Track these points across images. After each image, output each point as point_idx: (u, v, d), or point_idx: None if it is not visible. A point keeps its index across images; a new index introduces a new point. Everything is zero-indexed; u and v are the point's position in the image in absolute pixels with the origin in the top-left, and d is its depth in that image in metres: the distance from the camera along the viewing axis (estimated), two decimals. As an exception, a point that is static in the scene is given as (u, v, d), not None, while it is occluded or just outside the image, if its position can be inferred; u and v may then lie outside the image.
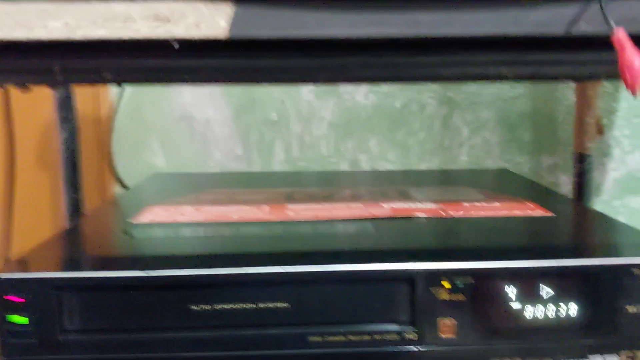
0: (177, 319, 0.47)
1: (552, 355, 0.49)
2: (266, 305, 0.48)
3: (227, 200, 0.70)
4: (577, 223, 0.66)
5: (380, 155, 1.05)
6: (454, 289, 0.47)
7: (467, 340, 0.48)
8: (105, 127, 1.06)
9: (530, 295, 0.48)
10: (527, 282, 0.48)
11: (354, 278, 0.48)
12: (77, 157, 0.84)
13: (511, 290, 0.48)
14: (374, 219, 0.60)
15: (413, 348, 0.48)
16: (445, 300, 0.48)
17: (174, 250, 0.53)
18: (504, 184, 0.85)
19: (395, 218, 0.61)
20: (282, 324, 0.48)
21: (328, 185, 0.84)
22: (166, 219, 0.61)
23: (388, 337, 0.48)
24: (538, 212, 0.63)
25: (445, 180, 0.88)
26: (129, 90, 1.03)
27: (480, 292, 0.48)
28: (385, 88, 1.02)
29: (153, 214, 0.63)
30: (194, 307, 0.47)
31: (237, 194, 0.74)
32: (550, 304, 0.49)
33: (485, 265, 0.48)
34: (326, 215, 0.61)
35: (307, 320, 0.48)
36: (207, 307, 0.47)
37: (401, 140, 1.04)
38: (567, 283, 0.49)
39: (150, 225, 0.60)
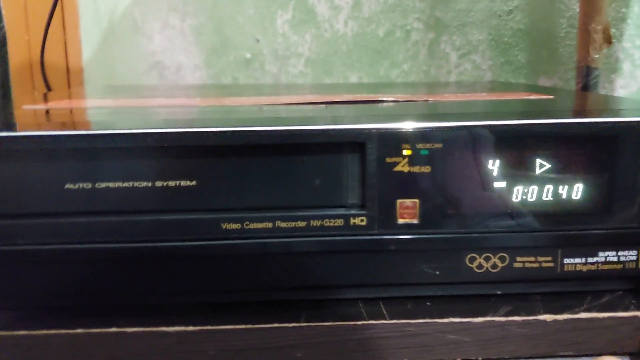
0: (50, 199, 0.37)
1: (547, 250, 0.39)
2: (165, 183, 0.37)
3: (152, 96, 0.59)
4: (580, 101, 0.55)
5: (362, 92, 0.94)
6: (417, 158, 0.37)
7: (432, 227, 0.37)
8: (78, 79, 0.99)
9: (519, 167, 0.37)
10: (516, 148, 0.37)
11: (284, 144, 0.36)
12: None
13: (493, 161, 0.37)
14: (328, 103, 0.49)
15: (363, 237, 0.37)
16: (405, 173, 0.37)
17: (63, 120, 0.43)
18: (497, 86, 0.73)
19: (355, 102, 0.50)
20: (188, 208, 0.37)
21: (288, 88, 0.73)
22: (63, 106, 0.51)
23: (330, 223, 0.37)
24: (535, 96, 0.52)
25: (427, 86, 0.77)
26: (98, 40, 0.95)
27: (452, 161, 0.37)
28: (366, 12, 0.92)
29: (56, 104, 0.53)
30: (71, 186, 0.36)
31: (170, 95, 0.63)
32: (547, 181, 0.38)
33: (459, 124, 0.36)
34: (269, 102, 0.50)
35: (220, 203, 0.37)
36: (86, 185, 0.36)
37: (385, 74, 0.93)
38: (568, 150, 0.37)
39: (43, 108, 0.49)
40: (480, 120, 0.36)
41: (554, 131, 0.37)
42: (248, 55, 0.95)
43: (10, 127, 0.36)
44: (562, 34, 0.89)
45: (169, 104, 0.50)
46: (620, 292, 0.40)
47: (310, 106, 0.47)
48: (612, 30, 0.81)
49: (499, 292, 0.40)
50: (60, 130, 0.35)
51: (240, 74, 0.96)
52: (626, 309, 0.38)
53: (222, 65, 0.96)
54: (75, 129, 0.36)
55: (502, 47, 0.91)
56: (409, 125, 0.36)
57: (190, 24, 0.95)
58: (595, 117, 0.37)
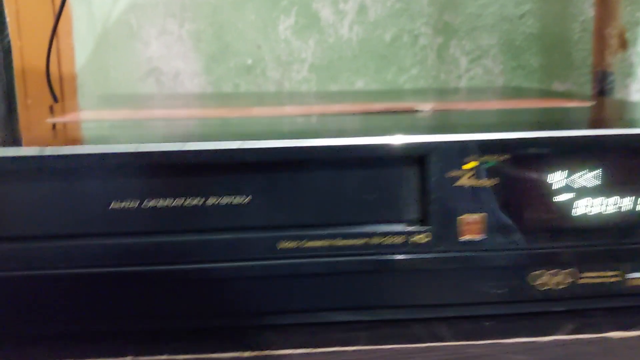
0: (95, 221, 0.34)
1: (617, 263, 0.37)
2: (218, 200, 0.35)
3: (177, 106, 0.57)
4: (624, 109, 0.53)
5: (368, 98, 0.93)
6: (482, 171, 0.35)
7: (499, 243, 0.36)
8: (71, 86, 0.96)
9: (586, 179, 0.36)
10: (583, 159, 0.36)
11: (341, 159, 0.34)
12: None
13: (560, 173, 0.36)
14: (365, 113, 0.47)
15: (424, 255, 0.36)
16: (468, 187, 0.35)
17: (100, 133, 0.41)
18: (520, 92, 0.72)
19: (392, 112, 0.48)
20: (242, 226, 0.35)
21: (308, 97, 0.71)
22: (91, 117, 0.48)
23: (389, 241, 0.35)
24: (575, 104, 0.51)
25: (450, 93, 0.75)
26: (92, 46, 0.92)
27: (519, 173, 0.35)
28: (372, 17, 0.90)
29: (78, 115, 0.51)
30: (116, 205, 0.34)
31: (190, 104, 0.61)
32: (613, 193, 0.36)
33: (529, 135, 0.35)
34: (303, 112, 0.49)
35: (275, 221, 0.35)
36: (133, 204, 0.34)
37: (392, 79, 0.92)
38: (636, 161, 0.36)
39: (70, 121, 0.47)
40: (548, 130, 0.35)
41: (621, 142, 0.36)
42: (249, 62, 0.93)
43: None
44: (575, 38, 0.89)
45: (202, 115, 0.48)
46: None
47: (350, 116, 0.45)
48: (627, 35, 0.80)
49: (561, 309, 0.38)
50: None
51: (241, 81, 0.94)
52: (698, 324, 0.37)
53: (222, 72, 0.94)
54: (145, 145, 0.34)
55: (514, 51, 0.91)
56: (473, 137, 0.34)
57: (188, 30, 0.93)
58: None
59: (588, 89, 0.85)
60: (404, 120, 0.45)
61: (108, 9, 0.92)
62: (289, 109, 0.51)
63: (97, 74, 0.95)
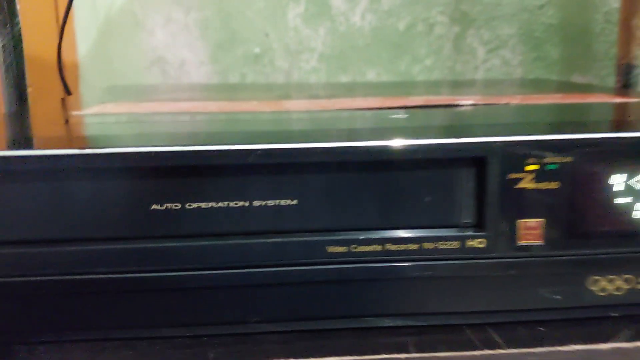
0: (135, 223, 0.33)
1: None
2: (264, 202, 0.33)
3: (203, 98, 0.55)
4: None
5: (381, 90, 0.91)
6: (544, 173, 0.33)
7: (558, 249, 0.34)
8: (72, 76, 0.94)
9: None
10: None
11: (394, 160, 0.33)
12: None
13: (622, 175, 0.34)
14: (404, 107, 0.46)
15: (480, 261, 0.34)
16: (529, 190, 0.33)
17: (139, 130, 0.39)
18: (547, 85, 0.70)
19: (432, 106, 0.47)
20: (289, 229, 0.34)
21: (332, 89, 0.69)
22: (126, 110, 0.46)
23: (443, 246, 0.34)
24: (620, 99, 0.49)
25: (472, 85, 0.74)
26: (95, 35, 0.89)
27: (582, 176, 0.34)
28: (386, 5, 0.88)
29: (109, 108, 0.49)
30: (157, 206, 0.32)
31: (209, 95, 0.59)
32: None
33: (593, 136, 0.33)
34: (337, 106, 0.47)
35: (324, 224, 0.34)
36: (176, 206, 0.33)
37: (405, 70, 0.90)
38: None
39: (105, 115, 0.45)
40: (613, 132, 0.34)
41: None
42: (257, 50, 0.91)
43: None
44: (597, 30, 0.87)
45: (234, 108, 0.46)
46: None
47: (389, 111, 0.44)
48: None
49: (616, 315, 0.37)
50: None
51: (249, 70, 0.92)
52: None
53: (228, 61, 0.91)
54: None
55: (534, 42, 0.89)
56: (536, 137, 0.33)
57: (194, 18, 0.90)
58: None
59: (610, 81, 0.83)
60: (449, 116, 0.43)
61: (111, -4, 0.90)
62: (317, 104, 0.49)
63: (100, 63, 0.92)
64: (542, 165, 0.33)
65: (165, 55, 0.92)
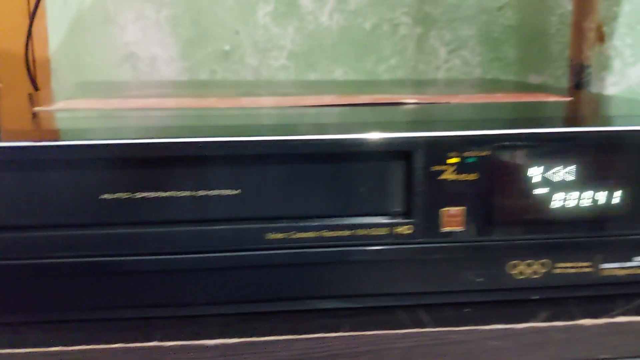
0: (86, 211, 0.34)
1: (589, 254, 0.38)
2: (207, 192, 0.35)
3: (163, 95, 0.57)
4: (601, 105, 0.55)
5: (347, 87, 0.92)
6: (464, 166, 0.36)
7: (478, 235, 0.37)
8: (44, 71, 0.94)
9: (562, 173, 0.37)
10: (559, 155, 0.37)
11: (328, 152, 0.35)
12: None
13: (538, 168, 0.37)
14: (352, 105, 0.48)
15: (408, 246, 0.37)
16: (451, 181, 0.36)
17: (95, 125, 0.41)
18: (499, 85, 0.73)
19: (378, 104, 0.49)
20: (230, 217, 0.36)
21: (293, 86, 0.71)
22: (88, 106, 0.48)
23: (374, 232, 0.36)
24: (554, 98, 0.52)
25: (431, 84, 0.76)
26: (66, 29, 0.91)
27: (499, 168, 0.36)
28: (352, 5, 0.90)
29: (73, 104, 0.50)
30: (106, 196, 0.34)
31: (177, 92, 0.61)
32: (587, 187, 0.38)
33: (509, 132, 0.36)
34: (291, 103, 0.49)
35: (264, 212, 0.36)
36: (124, 195, 0.34)
37: (371, 69, 0.92)
38: (608, 156, 0.37)
39: (68, 110, 0.47)
40: (529, 128, 0.37)
41: (595, 139, 0.37)
42: (227, 47, 0.92)
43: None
44: (553, 31, 0.90)
45: (185, 104, 0.48)
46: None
47: (336, 109, 0.46)
48: (604, 29, 0.82)
49: (536, 298, 0.39)
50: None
51: (219, 67, 0.93)
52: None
53: (199, 58, 0.93)
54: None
55: (492, 43, 0.91)
56: (456, 133, 0.36)
57: (166, 15, 0.92)
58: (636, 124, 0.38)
59: (564, 81, 0.86)
60: (391, 113, 0.45)
61: (83, -8, 0.91)
62: (275, 100, 0.51)
63: (71, 59, 0.93)
64: (463, 158, 0.35)
65: (137, 51, 0.93)
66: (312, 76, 0.93)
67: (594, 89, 0.86)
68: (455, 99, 0.50)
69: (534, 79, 0.92)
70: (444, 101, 0.50)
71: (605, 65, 0.89)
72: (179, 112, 0.46)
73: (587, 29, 0.72)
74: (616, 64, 0.89)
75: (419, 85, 0.74)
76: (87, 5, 0.91)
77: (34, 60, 0.95)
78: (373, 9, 0.91)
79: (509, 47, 0.91)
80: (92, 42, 0.93)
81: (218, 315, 0.38)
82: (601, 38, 0.74)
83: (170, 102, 0.50)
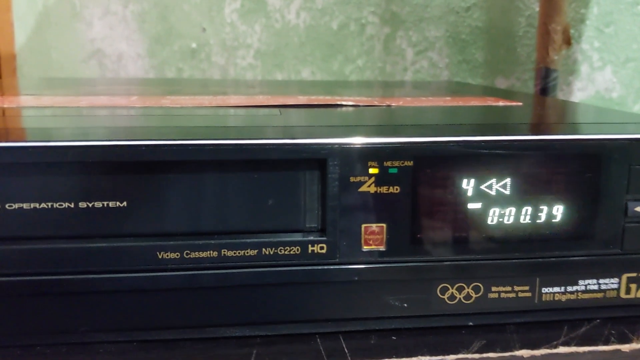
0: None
1: (524, 279, 0.35)
2: (90, 204, 0.31)
3: (84, 93, 0.54)
4: (552, 111, 0.51)
5: (314, 88, 0.90)
6: (384, 177, 0.33)
7: (402, 255, 0.34)
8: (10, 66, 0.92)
9: (495, 187, 0.34)
10: (493, 166, 0.33)
11: (232, 159, 0.31)
12: None
13: (468, 180, 0.34)
14: (282, 106, 0.45)
15: (322, 267, 0.33)
16: (371, 194, 0.32)
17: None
18: (456, 89, 0.70)
19: (312, 106, 0.46)
20: (117, 233, 0.32)
21: (235, 85, 0.68)
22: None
23: (285, 251, 0.32)
24: (503, 103, 0.49)
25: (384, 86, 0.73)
26: (33, 25, 0.87)
27: (424, 180, 0.33)
28: (319, 4, 0.88)
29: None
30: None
31: (106, 90, 0.58)
32: (524, 203, 0.34)
33: (432, 140, 0.32)
34: (214, 103, 0.46)
35: (155, 228, 0.32)
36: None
37: (338, 69, 0.90)
38: (548, 169, 0.34)
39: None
40: (457, 136, 0.33)
41: (535, 148, 0.34)
42: (194, 45, 0.90)
43: None
44: (520, 33, 0.87)
45: (104, 103, 0.45)
46: (598, 321, 0.37)
47: (263, 110, 0.43)
48: (571, 31, 0.79)
49: (471, 324, 0.36)
50: None
51: (185, 65, 0.91)
52: (607, 342, 0.35)
53: (166, 55, 0.90)
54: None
55: (460, 44, 0.89)
56: (376, 140, 0.32)
57: (132, 11, 0.89)
58: (580, 133, 0.35)
59: (532, 85, 0.83)
60: (322, 117, 0.42)
61: (49, -14, 0.88)
62: (202, 100, 0.47)
63: (37, 54, 0.91)
64: (383, 169, 0.32)
65: (103, 48, 0.91)
66: (279, 76, 0.91)
67: (560, 94, 0.83)
68: (395, 102, 0.47)
69: (501, 82, 0.89)
70: (384, 104, 0.47)
71: (572, 70, 0.86)
72: (73, 111, 0.42)
73: (554, 32, 0.70)
74: (584, 68, 0.87)
75: (372, 87, 0.71)
76: (53, 0, 0.89)
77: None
78: (340, 8, 0.88)
79: (476, 49, 0.89)
80: (58, 37, 0.90)
81: (112, 343, 0.33)
82: (568, 41, 0.72)
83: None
